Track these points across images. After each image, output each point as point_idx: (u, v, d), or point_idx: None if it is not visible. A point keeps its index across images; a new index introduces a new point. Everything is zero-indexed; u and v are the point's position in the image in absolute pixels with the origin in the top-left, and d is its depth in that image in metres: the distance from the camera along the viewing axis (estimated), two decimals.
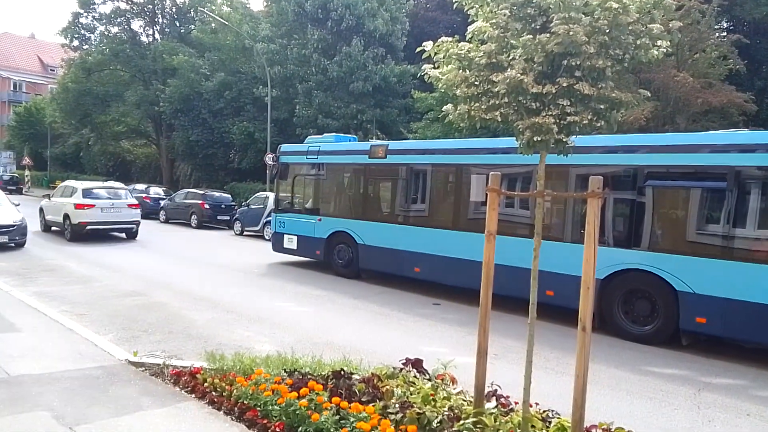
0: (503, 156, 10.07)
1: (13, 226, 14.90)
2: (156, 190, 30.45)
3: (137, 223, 18.24)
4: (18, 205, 16.77)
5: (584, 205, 8.99)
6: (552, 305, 8.84)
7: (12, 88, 69.97)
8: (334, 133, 15.79)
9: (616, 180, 9.02)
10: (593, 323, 3.96)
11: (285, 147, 15.50)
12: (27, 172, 46.96)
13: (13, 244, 14.89)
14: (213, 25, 37.76)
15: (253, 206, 21.75)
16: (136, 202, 18.70)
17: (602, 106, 4.01)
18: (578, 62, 3.82)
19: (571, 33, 3.68)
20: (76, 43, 43.33)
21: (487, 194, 4.62)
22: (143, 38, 43.15)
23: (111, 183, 20.22)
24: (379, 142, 14.80)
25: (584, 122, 3.99)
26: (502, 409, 4.59)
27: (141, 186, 31.52)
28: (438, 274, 11.30)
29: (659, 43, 3.96)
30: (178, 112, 35.76)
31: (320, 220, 13.76)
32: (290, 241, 14.51)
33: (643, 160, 8.73)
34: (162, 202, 27.49)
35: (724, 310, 7.83)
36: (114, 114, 41.91)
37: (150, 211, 27.63)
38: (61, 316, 8.22)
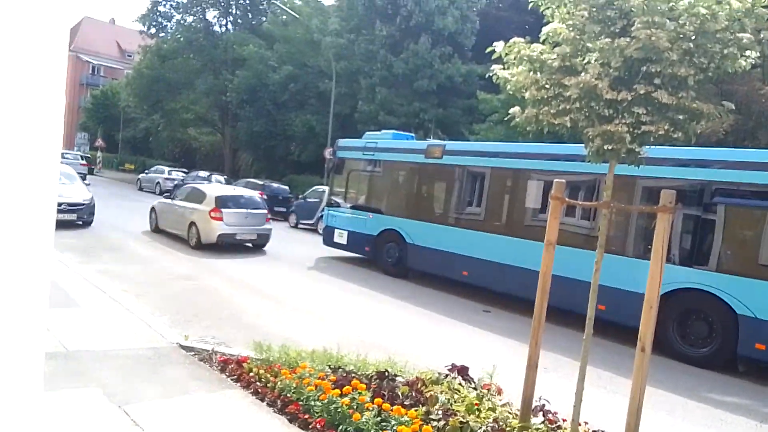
0: (565, 163, 9.86)
1: (83, 204, 15.55)
2: (218, 178, 31.23)
3: (268, 237, 15.53)
4: (89, 184, 17.52)
5: (644, 219, 8.88)
6: (602, 320, 8.16)
7: (90, 72, 73.25)
8: (392, 131, 15.77)
9: (682, 195, 8.52)
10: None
11: (342, 142, 15.59)
12: (99, 154, 49.13)
13: (80, 222, 15.55)
14: (284, 17, 38.38)
15: (309, 199, 21.98)
16: (268, 214, 15.88)
17: (681, 117, 3.76)
18: (658, 69, 3.59)
19: (653, 38, 3.46)
20: (153, 30, 44.93)
21: (547, 201, 4.44)
22: (216, 28, 44.36)
23: (242, 190, 18.07)
24: (436, 141, 14.67)
25: (660, 132, 3.77)
26: (549, 425, 4.41)
27: (203, 173, 32.42)
28: (486, 279, 11.17)
29: (747, 53, 3.68)
30: (243, 102, 36.61)
31: (371, 216, 13.75)
32: (341, 236, 14.51)
33: (713, 176, 8.26)
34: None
35: None
36: (184, 101, 43.29)
37: None
38: (120, 295, 8.49)
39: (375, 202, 13.99)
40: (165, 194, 21.40)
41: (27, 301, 0.90)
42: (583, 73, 3.83)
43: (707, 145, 12.31)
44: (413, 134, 16.59)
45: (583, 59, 3.95)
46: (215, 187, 18.21)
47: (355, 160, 14.53)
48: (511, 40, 4.23)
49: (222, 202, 14.53)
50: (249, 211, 15.02)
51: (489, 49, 4.40)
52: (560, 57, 3.96)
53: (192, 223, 14.53)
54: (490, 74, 4.52)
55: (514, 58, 4.20)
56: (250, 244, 15.15)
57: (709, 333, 8.21)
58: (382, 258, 13.47)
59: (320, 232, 19.39)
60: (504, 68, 4.36)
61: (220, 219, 14.14)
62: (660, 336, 8.22)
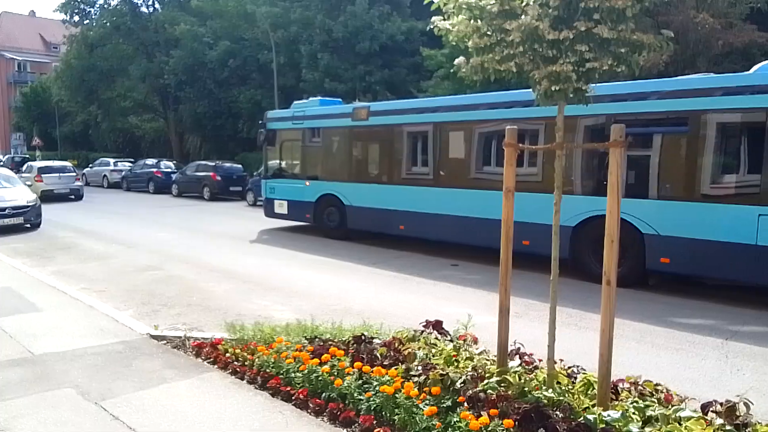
0: (481, 112, 10.52)
1: (28, 207, 14.98)
2: (167, 164, 30.43)
3: (79, 191, 24.80)
4: (31, 185, 16.84)
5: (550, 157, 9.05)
6: (528, 253, 8.88)
7: (16, 69, 69.76)
8: (319, 97, 15.95)
9: (587, 130, 9.15)
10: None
11: (271, 113, 15.89)
12: (38, 153, 47.12)
13: (28, 225, 15.00)
14: None
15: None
16: (77, 176, 25.77)
17: (623, 50, 3.80)
18: (596, 4, 3.60)
19: None
20: (76, 18, 42.84)
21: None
22: (143, 9, 42.53)
23: (58, 162, 27.83)
24: (362, 104, 14.85)
25: (604, 68, 3.80)
26: (527, 367, 4.54)
27: (151, 161, 31.52)
28: (421, 230, 11.71)
29: None
30: (183, 83, 35.46)
31: (308, 184, 14.04)
32: (281, 206, 14.86)
33: (617, 109, 8.65)
34: (173, 176, 27.48)
35: (686, 250, 8.10)
36: (119, 89, 41.71)
37: (162, 186, 27.71)
38: (81, 293, 8.27)
39: (310, 169, 14.25)
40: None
41: None
42: (523, 16, 3.81)
43: (650, 77, 12.57)
44: (340, 99, 16.63)
45: (522, 1, 3.94)
46: (41, 163, 27.33)
47: (285, 130, 14.77)
48: None
49: (42, 170, 23.99)
50: (61, 174, 24.10)
51: (427, 1, 4.33)
52: (499, 1, 3.92)
53: (29, 185, 19.55)
54: (431, 27, 4.46)
55: (453, 8, 4.14)
56: (72, 197, 23.99)
57: (622, 254, 8.49)
58: (324, 222, 13.84)
59: None
60: (444, 19, 4.30)
61: (41, 181, 23.24)
62: (579, 261, 9.30)
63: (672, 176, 8.50)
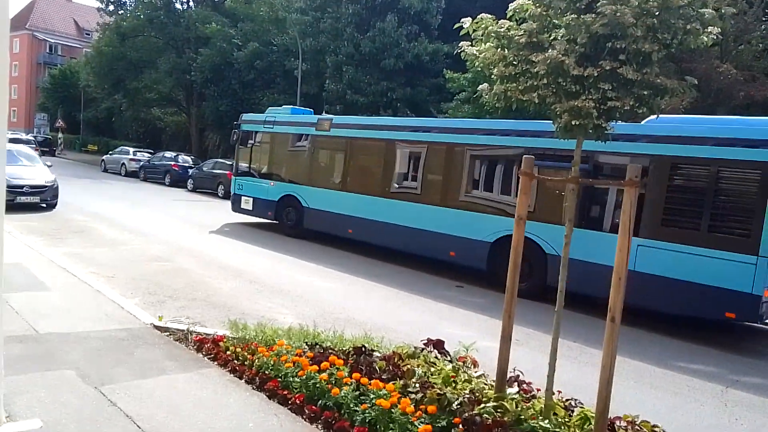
0: (422, 134, 12.07)
1: (45, 187, 15.19)
2: (185, 159, 30.72)
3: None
4: (51, 166, 17.08)
5: (472, 174, 10.90)
6: (454, 263, 11.16)
7: (48, 50, 70.80)
8: (291, 106, 17.21)
9: (504, 159, 10.58)
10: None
11: (246, 116, 17.02)
12: (60, 135, 47.73)
13: (44, 205, 15.20)
14: None
15: None
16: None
17: (645, 92, 3.87)
18: (623, 45, 3.68)
19: (618, 14, 3.54)
20: (111, 7, 43.53)
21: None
22: (177, 5, 43.12)
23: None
24: (326, 116, 15.82)
25: (626, 108, 3.87)
26: (524, 395, 4.55)
27: (170, 154, 31.84)
28: (366, 235, 12.83)
29: (710, 29, 3.80)
30: (208, 81, 35.88)
31: (273, 184, 15.17)
32: (247, 203, 15.94)
33: (528, 143, 9.92)
34: (190, 171, 27.77)
35: (581, 271, 8.48)
36: (146, 81, 42.16)
37: (178, 179, 27.99)
38: (90, 277, 8.37)
39: (275, 171, 15.38)
40: None
41: None
42: (550, 50, 3.89)
43: None
44: (311, 109, 17.49)
45: (550, 35, 4.02)
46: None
47: (257, 133, 15.88)
48: (479, 16, 4.27)
49: None
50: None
51: (457, 26, 4.43)
52: (527, 33, 4.02)
53: None
54: (458, 51, 4.55)
55: (482, 35, 4.24)
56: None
57: (529, 271, 9.77)
58: (283, 221, 14.96)
59: None
60: (471, 45, 4.40)
61: None
62: (495, 273, 10.15)
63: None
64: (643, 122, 8.63)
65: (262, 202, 15.40)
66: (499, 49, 4.17)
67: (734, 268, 7.73)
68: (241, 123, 16.57)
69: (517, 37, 4.04)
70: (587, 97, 3.88)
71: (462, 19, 4.38)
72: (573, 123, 4.00)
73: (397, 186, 12.37)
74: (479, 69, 4.44)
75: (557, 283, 8.82)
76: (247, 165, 16.15)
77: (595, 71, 3.78)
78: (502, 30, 4.12)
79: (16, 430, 0.90)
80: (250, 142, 16.04)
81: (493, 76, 4.31)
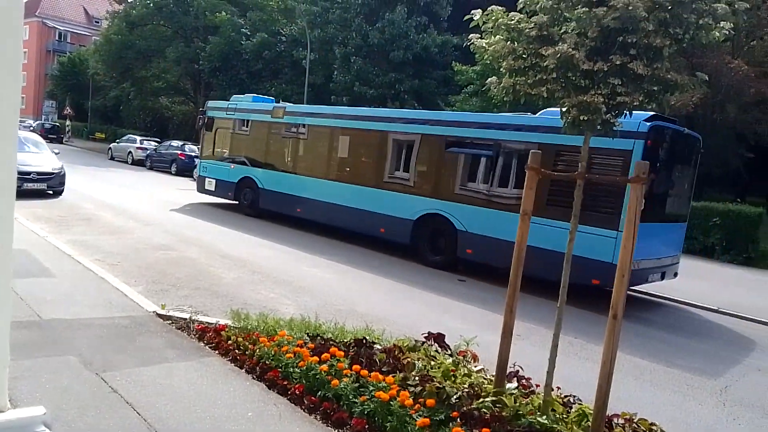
0: (357, 122, 13.41)
1: (52, 174, 15.22)
2: (191, 148, 30.72)
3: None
4: (58, 153, 17.12)
5: (395, 158, 12.42)
6: (384, 239, 12.56)
7: (57, 38, 70.91)
8: (254, 95, 18.00)
9: (426, 144, 11.97)
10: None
11: (211, 103, 18.42)
12: (68, 122, 47.85)
13: (51, 192, 15.25)
14: None
15: None
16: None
17: (655, 88, 3.83)
18: (634, 39, 3.64)
19: (630, 7, 3.50)
20: None
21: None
22: None
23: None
24: (281, 104, 16.74)
25: (635, 103, 3.83)
26: (523, 391, 4.54)
27: (177, 143, 31.85)
28: (313, 215, 14.09)
29: (722, 24, 3.74)
30: (216, 70, 35.89)
31: (233, 167, 16.35)
32: (210, 184, 17.11)
33: (446, 132, 11.60)
34: (196, 161, 27.78)
35: (485, 245, 10.61)
36: (154, 70, 42.25)
37: (184, 168, 28.00)
38: (94, 264, 8.39)
39: (236, 154, 16.51)
40: None
41: None
42: (560, 43, 3.85)
43: (677, 117, 12.59)
44: (273, 98, 18.36)
45: (561, 29, 3.98)
46: None
47: (220, 119, 16.99)
48: (489, 8, 4.23)
49: None
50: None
51: (467, 17, 4.39)
52: (538, 26, 3.97)
53: None
54: (467, 43, 4.51)
55: (492, 27, 4.20)
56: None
57: (444, 245, 11.45)
58: (241, 201, 16.14)
59: None
60: (481, 37, 4.36)
61: None
62: (417, 248, 11.92)
63: (477, 187, 11.01)
64: (537, 114, 10.36)
65: (224, 184, 16.58)
66: (508, 42, 4.14)
67: (600, 241, 8.95)
68: (207, 109, 17.78)
69: (527, 30, 4.00)
70: (596, 92, 3.84)
71: (472, 11, 4.33)
72: (581, 118, 3.96)
73: (336, 169, 13.76)
74: (488, 62, 4.40)
75: (465, 255, 11.14)
76: (211, 149, 17.25)
77: (605, 66, 3.74)
78: (512, 22, 4.08)
79: (20, 416, 0.90)
80: (214, 127, 17.13)
81: (501, 69, 4.27)
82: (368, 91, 27.95)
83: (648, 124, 8.87)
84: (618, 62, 3.69)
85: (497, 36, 4.19)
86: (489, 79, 4.48)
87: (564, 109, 4.06)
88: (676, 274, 10.62)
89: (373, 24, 28.64)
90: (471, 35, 4.45)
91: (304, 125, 14.57)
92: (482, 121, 11.43)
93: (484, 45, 4.29)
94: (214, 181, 16.94)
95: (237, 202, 16.32)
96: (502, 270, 10.35)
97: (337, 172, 13.69)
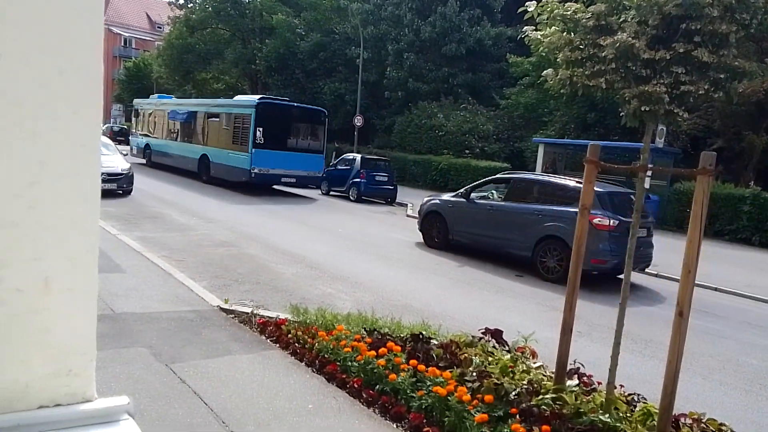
0: (183, 107, 25.27)
1: (121, 174, 15.92)
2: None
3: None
4: (126, 155, 17.89)
5: (198, 127, 23.53)
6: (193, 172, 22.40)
7: (122, 44, 73.97)
8: (165, 94, 31.71)
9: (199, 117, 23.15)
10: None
11: (138, 100, 30.29)
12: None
13: (120, 192, 15.96)
14: None
15: (340, 167, 21.86)
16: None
17: (722, 76, 3.67)
18: (698, 26, 3.51)
19: None
20: (181, 1, 45.05)
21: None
22: None
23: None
24: (164, 96, 30.25)
25: (700, 92, 3.69)
26: (584, 388, 4.45)
27: None
28: (167, 161, 24.83)
29: None
30: (272, 71, 36.64)
31: (144, 139, 27.56)
32: (138, 153, 27.96)
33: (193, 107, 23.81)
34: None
35: (222, 169, 20.57)
36: (214, 71, 43.48)
37: None
38: (161, 260, 8.75)
39: (145, 131, 27.74)
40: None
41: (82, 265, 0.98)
42: (619, 33, 3.76)
43: (748, 105, 11.96)
44: (171, 95, 31.25)
45: (620, 18, 3.88)
46: None
47: (141, 109, 28.48)
48: (544, 0, 4.16)
49: None
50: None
51: (521, 9, 4.33)
52: (595, 16, 3.89)
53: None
54: (522, 36, 4.46)
55: (547, 19, 4.14)
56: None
57: (205, 169, 22.41)
58: (147, 159, 26.64)
59: (352, 198, 20.86)
60: (536, 29, 4.30)
61: None
62: (200, 174, 22.26)
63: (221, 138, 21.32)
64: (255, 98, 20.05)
65: (140, 150, 27.62)
66: (564, 33, 4.07)
67: (243, 157, 19.12)
68: (135, 105, 29.61)
69: (584, 20, 3.92)
70: (658, 81, 3.72)
71: (526, 3, 4.27)
72: (643, 109, 3.85)
73: (184, 135, 24.16)
74: (544, 54, 4.33)
75: (215, 178, 20.46)
76: (139, 129, 28.65)
77: (668, 54, 3.62)
78: (568, 13, 4.01)
79: (107, 405, 0.98)
80: (139, 115, 28.58)
81: (558, 61, 4.20)
82: (422, 86, 27.87)
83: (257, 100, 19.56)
84: (681, 50, 3.57)
85: (553, 27, 4.12)
86: (545, 71, 4.41)
87: (624, 101, 3.95)
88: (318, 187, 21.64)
89: (425, 18, 28.53)
90: (525, 27, 4.40)
91: (172, 111, 25.27)
92: (210, 102, 24.14)
93: (539, 37, 4.24)
94: (136, 148, 28.59)
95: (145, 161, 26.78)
96: (230, 183, 19.80)
97: (182, 137, 24.22)
